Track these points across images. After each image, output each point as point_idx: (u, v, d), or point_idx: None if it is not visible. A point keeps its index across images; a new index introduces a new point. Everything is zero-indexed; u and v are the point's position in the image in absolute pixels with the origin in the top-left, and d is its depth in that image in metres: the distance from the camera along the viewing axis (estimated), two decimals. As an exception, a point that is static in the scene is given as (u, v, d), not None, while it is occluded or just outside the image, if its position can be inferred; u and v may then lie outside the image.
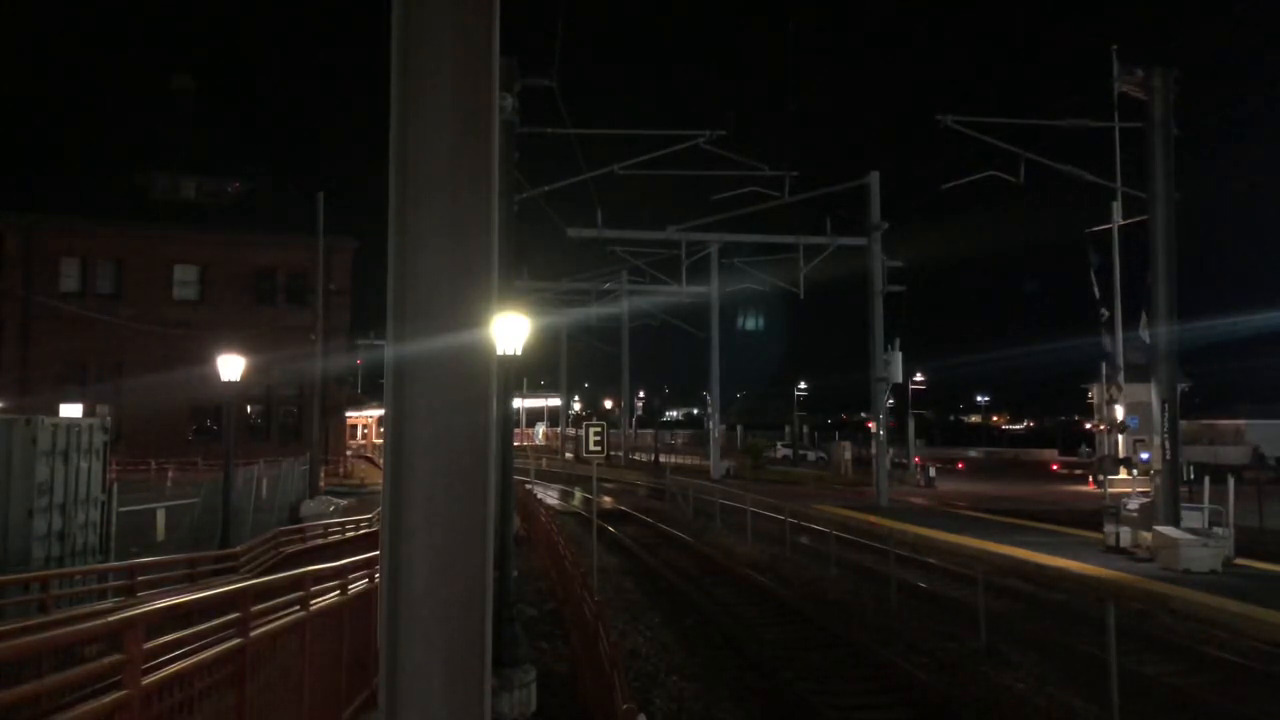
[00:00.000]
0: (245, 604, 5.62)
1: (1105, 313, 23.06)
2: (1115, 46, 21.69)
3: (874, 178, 34.67)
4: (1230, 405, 62.39)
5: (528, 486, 35.84)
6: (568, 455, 63.38)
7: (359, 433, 78.58)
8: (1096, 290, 23.08)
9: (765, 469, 55.60)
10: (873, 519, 27.06)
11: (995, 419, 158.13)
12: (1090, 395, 39.82)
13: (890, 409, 38.59)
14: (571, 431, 67.98)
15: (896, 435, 46.21)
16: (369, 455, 67.21)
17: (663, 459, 57.64)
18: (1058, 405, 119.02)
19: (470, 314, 2.20)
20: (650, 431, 74.12)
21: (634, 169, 28.34)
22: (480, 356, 2.22)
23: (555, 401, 78.68)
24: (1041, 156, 24.11)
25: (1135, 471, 23.81)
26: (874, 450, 36.61)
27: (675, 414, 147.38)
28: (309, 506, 26.51)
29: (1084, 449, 53.69)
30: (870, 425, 39.34)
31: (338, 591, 8.10)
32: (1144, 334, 21.11)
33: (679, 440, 75.98)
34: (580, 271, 48.46)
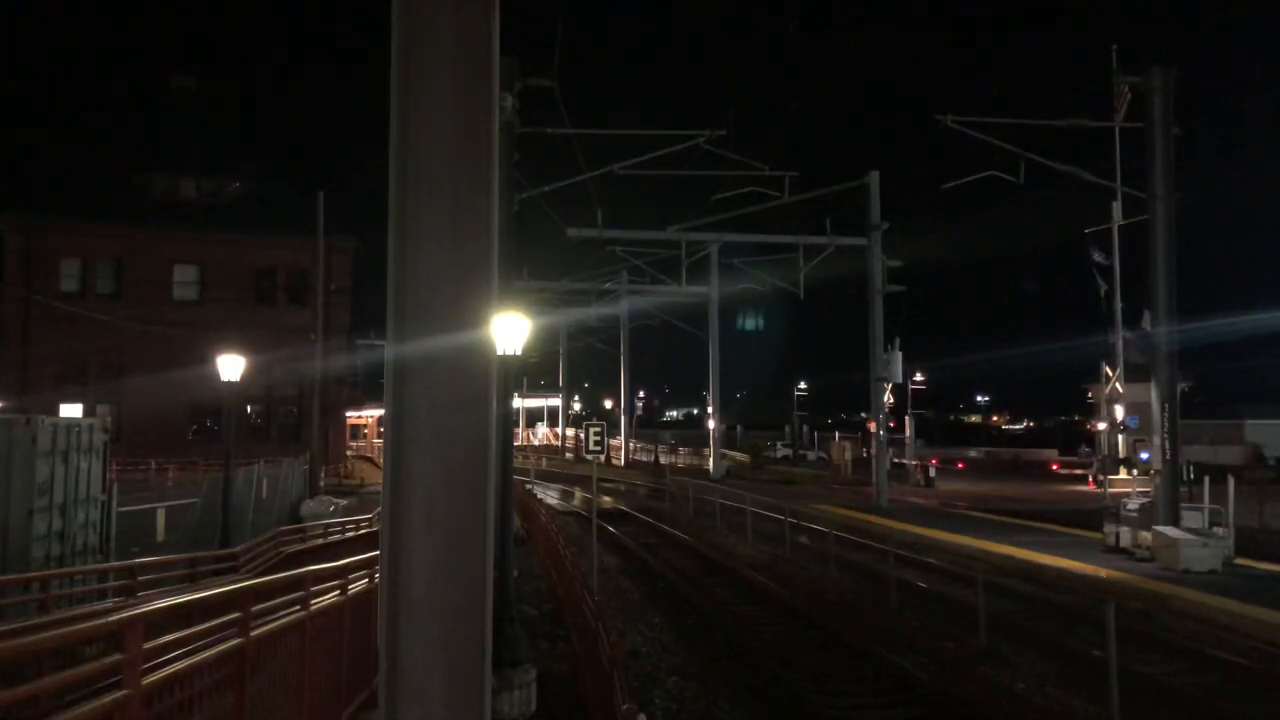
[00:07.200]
0: (245, 604, 5.61)
1: (1112, 301, 22.97)
2: (1115, 46, 21.73)
3: (874, 178, 34.66)
4: (1230, 405, 62.43)
5: (528, 486, 35.83)
6: (568, 455, 63.40)
7: (360, 433, 78.54)
8: (1103, 286, 23.07)
9: (765, 469, 55.59)
10: (872, 519, 27.06)
11: (995, 419, 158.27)
12: (1090, 395, 39.83)
13: (890, 409, 38.60)
14: (571, 432, 68.02)
15: (896, 435, 46.21)
16: (369, 455, 67.20)
17: (663, 459, 57.62)
18: (1058, 405, 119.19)
19: (470, 314, 2.20)
20: (651, 431, 74.09)
21: (634, 169, 28.34)
22: (480, 356, 2.22)
23: (555, 401, 78.58)
24: (1041, 156, 24.13)
25: (1135, 471, 23.82)
26: (873, 450, 36.61)
27: (675, 414, 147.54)
28: (309, 506, 26.49)
29: (1084, 449, 53.72)
30: (870, 425, 39.32)
31: (338, 591, 8.09)
32: (1146, 324, 21.05)
33: (679, 440, 76.02)
34: (580, 271, 48.49)
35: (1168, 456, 19.89)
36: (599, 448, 16.72)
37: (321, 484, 30.98)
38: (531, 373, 68.92)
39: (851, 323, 38.87)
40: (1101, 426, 26.93)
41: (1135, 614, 14.64)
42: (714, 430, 50.98)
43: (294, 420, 47.35)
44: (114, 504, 15.44)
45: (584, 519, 28.27)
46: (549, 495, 38.68)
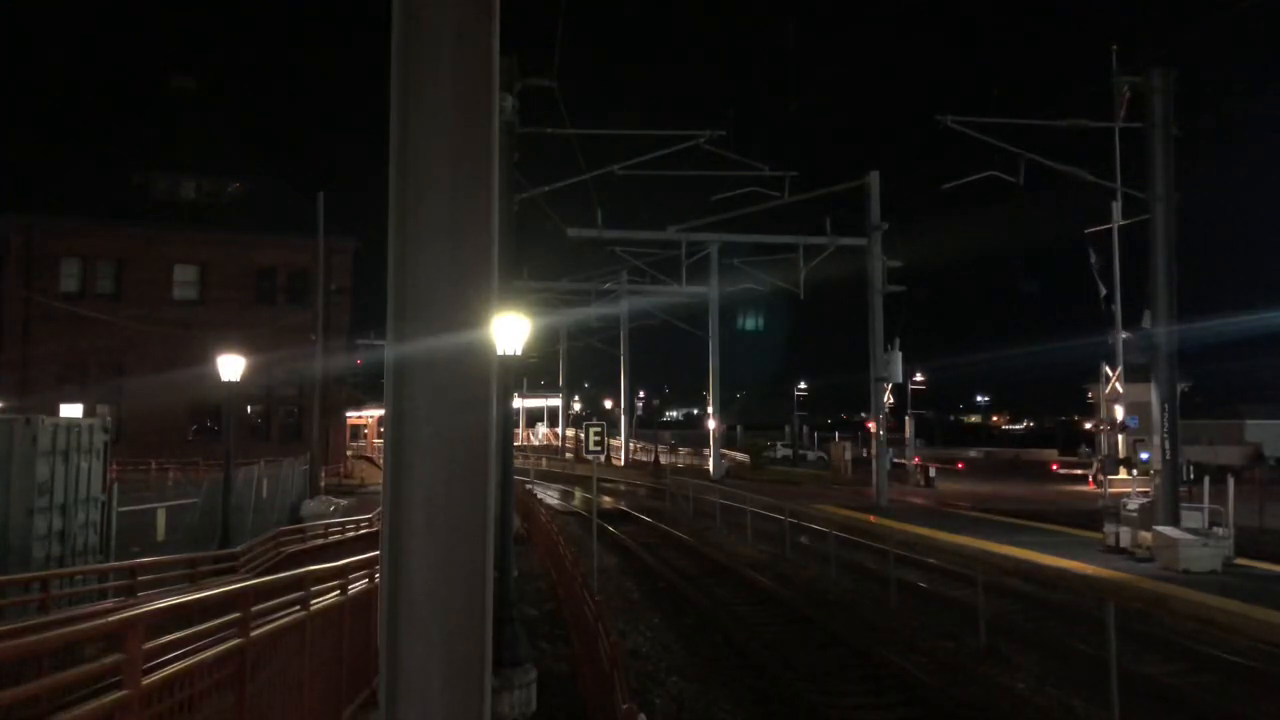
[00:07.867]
0: (245, 604, 5.62)
1: (1111, 301, 22.94)
2: (1115, 46, 21.72)
3: (874, 178, 34.66)
4: (1230, 405, 62.41)
5: (528, 486, 35.84)
6: (568, 455, 63.41)
7: (360, 433, 78.51)
8: (1102, 288, 23.05)
9: (765, 469, 55.58)
10: (872, 519, 27.06)
11: (995, 419, 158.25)
12: (1090, 395, 39.80)
13: (890, 409, 38.59)
14: (571, 432, 68.00)
15: (896, 435, 46.21)
16: (369, 455, 67.20)
17: (663, 459, 57.63)
18: (1058, 405, 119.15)
19: (470, 314, 2.20)
20: (651, 431, 74.12)
21: (634, 169, 28.35)
22: (480, 356, 2.22)
23: (555, 401, 78.56)
24: (1042, 156, 24.11)
25: (1135, 471, 23.81)
26: (873, 450, 36.60)
27: (675, 414, 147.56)
28: (309, 506, 26.46)
29: (1084, 449, 53.71)
30: (870, 425, 39.32)
31: (338, 591, 8.09)
32: (1146, 324, 21.02)
33: (679, 440, 76.06)
34: (580, 271, 48.50)
35: (1168, 456, 19.88)
36: (599, 448, 16.73)
37: (322, 484, 30.96)
38: (531, 373, 68.91)
39: (851, 323, 38.76)
40: (1102, 427, 26.92)
41: (1135, 614, 14.64)
42: (714, 430, 50.98)
43: (294, 420, 47.33)
44: (114, 504, 15.43)
45: (584, 519, 28.27)
46: (549, 495, 38.69)
